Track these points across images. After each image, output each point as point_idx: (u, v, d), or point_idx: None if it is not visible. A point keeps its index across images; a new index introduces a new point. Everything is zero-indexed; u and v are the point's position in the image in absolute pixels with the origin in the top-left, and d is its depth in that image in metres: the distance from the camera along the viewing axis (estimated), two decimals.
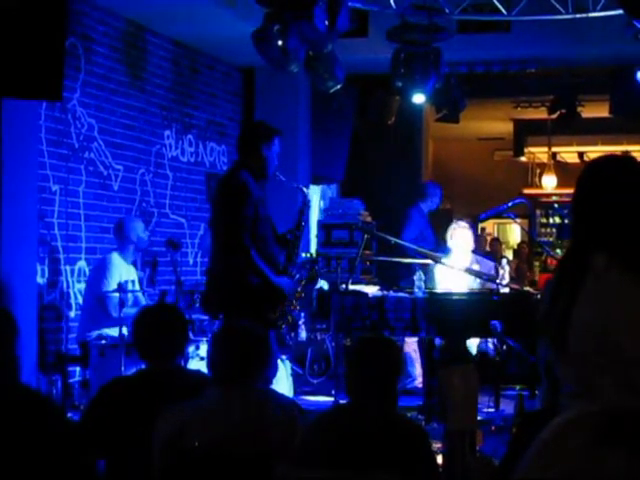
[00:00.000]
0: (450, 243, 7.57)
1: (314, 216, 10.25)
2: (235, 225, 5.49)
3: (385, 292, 6.67)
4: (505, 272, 7.31)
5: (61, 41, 5.18)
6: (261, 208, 5.62)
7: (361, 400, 3.37)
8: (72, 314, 7.44)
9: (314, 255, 9.53)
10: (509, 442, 3.37)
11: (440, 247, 7.94)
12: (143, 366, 3.85)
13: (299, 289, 5.88)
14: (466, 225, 7.60)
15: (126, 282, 6.60)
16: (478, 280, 7.21)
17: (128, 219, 7.27)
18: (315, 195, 10.59)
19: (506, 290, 6.99)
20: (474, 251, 7.71)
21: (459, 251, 7.48)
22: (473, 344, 7.23)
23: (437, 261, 7.15)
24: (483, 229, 12.19)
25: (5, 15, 4.92)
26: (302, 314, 8.89)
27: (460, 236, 7.51)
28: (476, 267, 7.40)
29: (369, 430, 3.26)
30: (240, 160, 5.82)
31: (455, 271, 7.10)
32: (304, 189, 6.23)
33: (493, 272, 7.45)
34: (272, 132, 5.79)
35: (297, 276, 5.93)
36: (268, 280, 5.55)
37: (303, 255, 8.63)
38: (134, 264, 7.11)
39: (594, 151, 16.32)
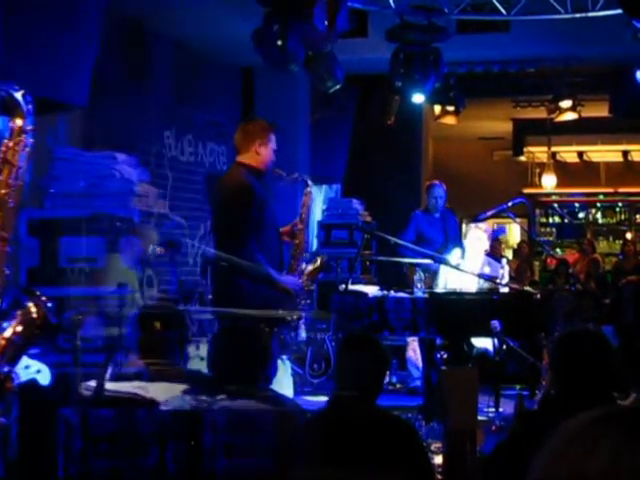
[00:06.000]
0: (465, 242, 7.69)
1: (315, 215, 10.23)
2: (239, 228, 5.44)
3: (385, 292, 6.67)
4: (505, 272, 7.33)
5: None
6: (266, 208, 5.58)
7: (346, 396, 3.39)
8: None
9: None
10: (504, 439, 3.35)
11: (449, 247, 7.95)
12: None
13: (309, 282, 5.83)
14: (482, 227, 7.70)
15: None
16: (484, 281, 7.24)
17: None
18: (318, 195, 10.56)
19: (506, 290, 6.99)
20: (486, 254, 7.80)
21: (472, 252, 7.54)
22: (478, 344, 7.23)
23: (436, 261, 7.16)
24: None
25: None
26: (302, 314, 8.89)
27: (474, 238, 7.60)
28: (487, 269, 7.47)
29: (356, 427, 3.27)
30: (238, 160, 5.77)
31: (459, 271, 7.12)
32: (307, 180, 6.14)
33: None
34: (266, 128, 5.74)
35: (305, 268, 5.85)
36: (274, 282, 5.49)
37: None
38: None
39: (594, 150, 16.33)
